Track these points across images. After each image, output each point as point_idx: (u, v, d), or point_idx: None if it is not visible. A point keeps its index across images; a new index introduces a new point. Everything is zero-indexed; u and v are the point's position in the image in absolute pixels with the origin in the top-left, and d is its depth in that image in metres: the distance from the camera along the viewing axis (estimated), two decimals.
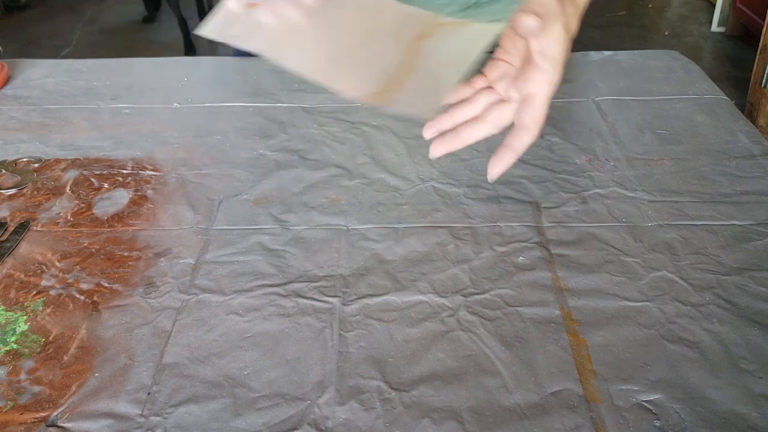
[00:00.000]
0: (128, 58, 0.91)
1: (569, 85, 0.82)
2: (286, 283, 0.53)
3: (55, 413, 0.43)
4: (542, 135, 0.72)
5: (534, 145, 0.70)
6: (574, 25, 0.57)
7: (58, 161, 0.69)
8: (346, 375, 0.46)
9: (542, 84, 0.54)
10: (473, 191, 0.64)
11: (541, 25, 0.52)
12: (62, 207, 0.62)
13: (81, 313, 0.51)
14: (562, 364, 0.46)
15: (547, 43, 0.54)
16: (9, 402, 0.44)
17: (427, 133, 0.55)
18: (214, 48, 3.13)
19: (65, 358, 0.47)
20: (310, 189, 0.64)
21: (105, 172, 0.67)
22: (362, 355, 0.47)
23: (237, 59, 0.92)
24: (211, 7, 3.28)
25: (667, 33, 3.31)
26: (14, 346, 0.48)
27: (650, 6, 3.70)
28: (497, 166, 0.56)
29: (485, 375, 0.45)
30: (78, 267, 0.55)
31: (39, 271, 0.55)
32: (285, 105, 0.78)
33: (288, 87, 0.82)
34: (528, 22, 0.52)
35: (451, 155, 0.68)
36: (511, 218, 0.60)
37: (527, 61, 0.55)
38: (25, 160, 0.69)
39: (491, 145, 0.71)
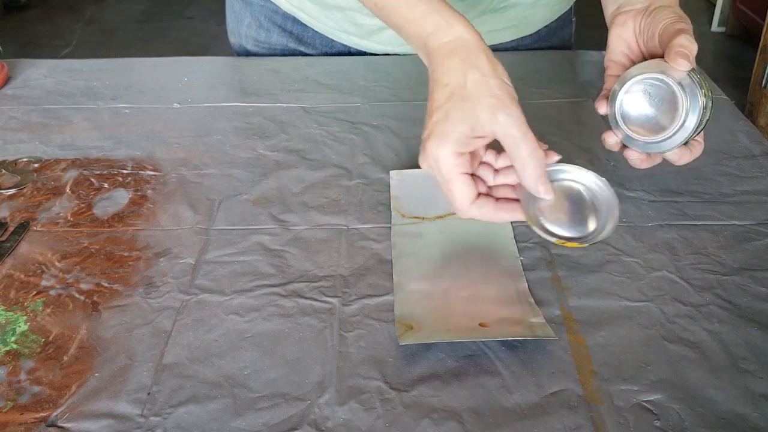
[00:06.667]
0: (128, 58, 0.91)
1: (569, 85, 0.82)
2: (286, 283, 0.53)
3: (55, 413, 0.43)
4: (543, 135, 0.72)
5: None
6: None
7: (58, 161, 0.69)
8: (346, 375, 0.46)
9: None
10: None
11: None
12: (62, 207, 0.62)
13: (81, 313, 0.51)
14: (562, 364, 0.46)
15: None
16: (9, 402, 0.44)
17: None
18: (213, 47, 3.13)
19: (65, 358, 0.47)
20: (310, 189, 0.64)
21: (105, 172, 0.67)
22: (362, 355, 0.47)
23: (237, 59, 0.92)
24: None
25: None
26: (14, 346, 0.48)
27: None
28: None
29: (485, 375, 0.45)
30: (78, 267, 0.55)
31: (39, 271, 0.55)
32: (285, 105, 0.78)
33: (288, 87, 0.82)
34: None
35: None
36: None
37: None
38: (25, 160, 0.69)
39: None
